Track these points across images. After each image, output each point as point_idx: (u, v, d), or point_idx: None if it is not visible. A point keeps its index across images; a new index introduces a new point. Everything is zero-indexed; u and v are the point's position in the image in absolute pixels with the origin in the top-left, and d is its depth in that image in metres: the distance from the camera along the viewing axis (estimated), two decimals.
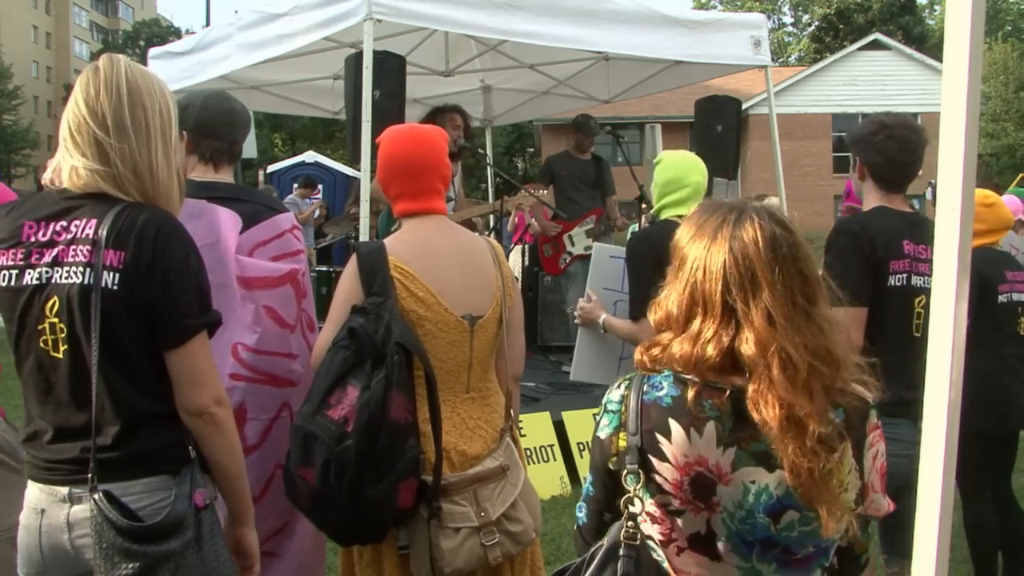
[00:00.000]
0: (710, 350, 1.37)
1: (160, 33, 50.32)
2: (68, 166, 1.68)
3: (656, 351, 1.45)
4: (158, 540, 1.62)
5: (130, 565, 1.59)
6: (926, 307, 2.56)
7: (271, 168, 16.56)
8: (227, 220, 2.18)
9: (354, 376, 1.97)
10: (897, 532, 2.67)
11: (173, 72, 6.28)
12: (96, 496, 1.60)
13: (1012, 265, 3.36)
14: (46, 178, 1.77)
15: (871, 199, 2.69)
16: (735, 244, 1.39)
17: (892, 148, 2.59)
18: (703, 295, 1.40)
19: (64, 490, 1.65)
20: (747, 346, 1.35)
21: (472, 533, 2.07)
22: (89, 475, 1.61)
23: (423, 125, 2.39)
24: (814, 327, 1.38)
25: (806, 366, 1.34)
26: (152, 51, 6.81)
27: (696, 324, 1.40)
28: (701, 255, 1.42)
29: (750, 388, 1.35)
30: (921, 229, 2.61)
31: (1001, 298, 3.24)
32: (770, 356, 1.33)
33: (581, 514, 1.59)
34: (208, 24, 17.58)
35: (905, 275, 2.56)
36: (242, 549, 1.86)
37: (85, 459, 1.63)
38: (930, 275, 2.53)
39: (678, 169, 2.98)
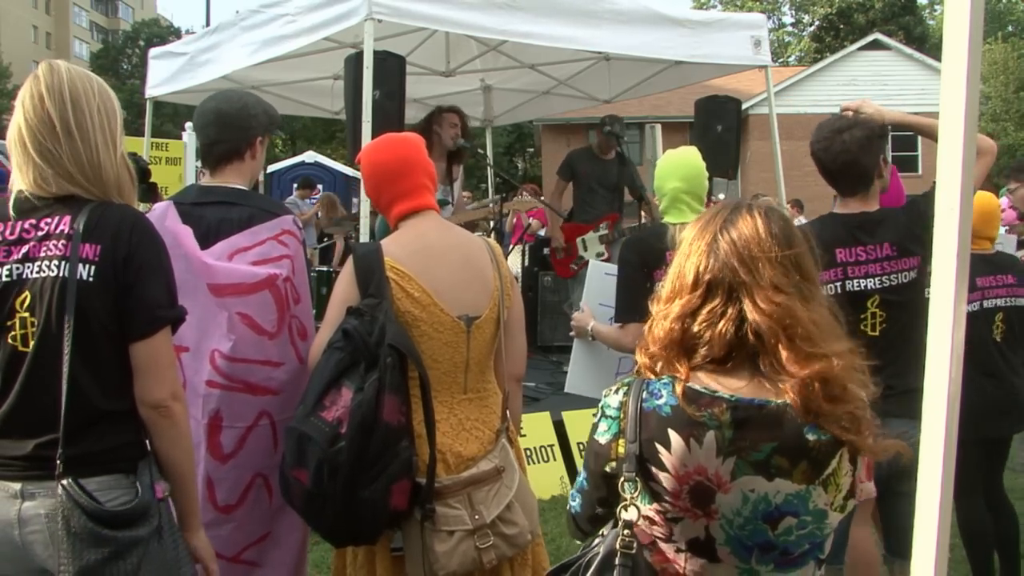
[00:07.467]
0: (721, 325, 1.38)
1: (160, 33, 50.07)
2: (30, 172, 1.71)
3: (654, 347, 1.45)
4: (128, 526, 1.64)
5: (99, 551, 1.61)
6: (881, 305, 2.58)
7: (271, 168, 16.56)
8: (182, 231, 2.15)
9: (348, 378, 1.97)
10: (896, 532, 2.68)
11: (173, 72, 6.29)
12: (65, 482, 1.61)
13: (986, 270, 3.30)
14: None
15: (835, 204, 2.75)
16: (730, 227, 1.43)
17: (822, 158, 2.63)
18: (696, 271, 1.42)
19: (16, 486, 1.65)
20: (757, 315, 1.36)
21: (466, 536, 2.07)
22: (57, 461, 1.62)
23: (396, 133, 2.40)
24: (816, 304, 1.40)
25: (815, 332, 1.35)
26: (152, 51, 6.81)
27: (687, 298, 1.42)
28: (694, 238, 1.46)
29: (762, 361, 1.36)
30: (865, 230, 2.61)
31: (970, 307, 3.22)
32: (780, 323, 1.35)
33: (575, 503, 1.58)
34: (208, 24, 17.59)
35: (838, 283, 2.57)
36: (196, 554, 1.85)
37: (40, 456, 1.64)
38: (874, 276, 2.57)
39: (658, 176, 2.92)
